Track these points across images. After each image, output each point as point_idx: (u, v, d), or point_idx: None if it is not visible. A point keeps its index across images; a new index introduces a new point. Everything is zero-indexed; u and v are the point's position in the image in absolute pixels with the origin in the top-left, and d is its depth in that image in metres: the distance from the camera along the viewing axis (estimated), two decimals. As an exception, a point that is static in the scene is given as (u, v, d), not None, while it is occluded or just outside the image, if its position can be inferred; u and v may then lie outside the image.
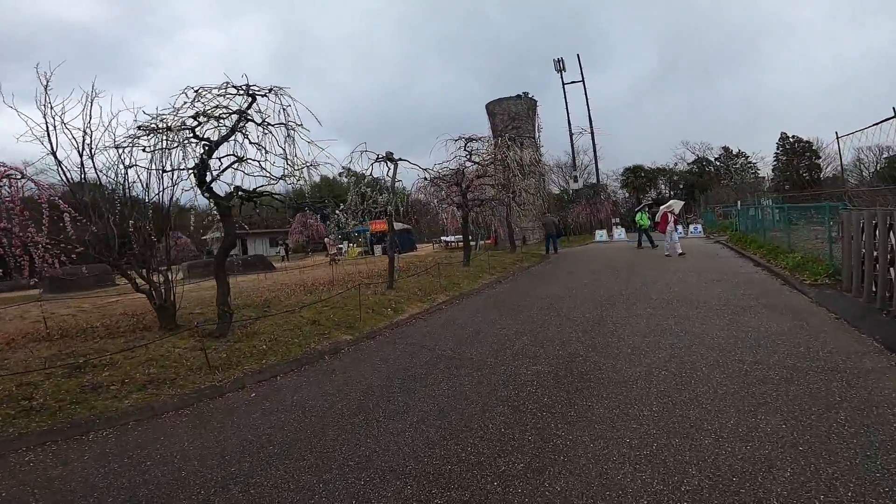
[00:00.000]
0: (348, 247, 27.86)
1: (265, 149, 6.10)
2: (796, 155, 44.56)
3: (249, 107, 6.00)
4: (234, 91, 5.93)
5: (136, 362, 4.97)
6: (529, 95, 27.97)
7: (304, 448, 3.26)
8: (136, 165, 5.83)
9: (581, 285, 9.49)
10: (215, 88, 5.86)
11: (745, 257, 11.97)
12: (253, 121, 6.05)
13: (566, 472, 2.64)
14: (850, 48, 65.77)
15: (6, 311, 9.32)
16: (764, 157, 46.57)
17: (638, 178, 45.61)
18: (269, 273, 16.33)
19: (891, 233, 4.97)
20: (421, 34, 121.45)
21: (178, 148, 5.66)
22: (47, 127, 5.31)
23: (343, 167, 10.21)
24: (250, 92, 6.00)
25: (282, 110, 6.14)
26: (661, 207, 14.99)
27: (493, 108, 27.97)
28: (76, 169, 5.55)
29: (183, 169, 5.78)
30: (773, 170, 46.24)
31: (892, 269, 4.96)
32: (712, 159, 48.73)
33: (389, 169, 10.67)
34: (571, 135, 33.42)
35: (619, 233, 26.04)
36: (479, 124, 41.88)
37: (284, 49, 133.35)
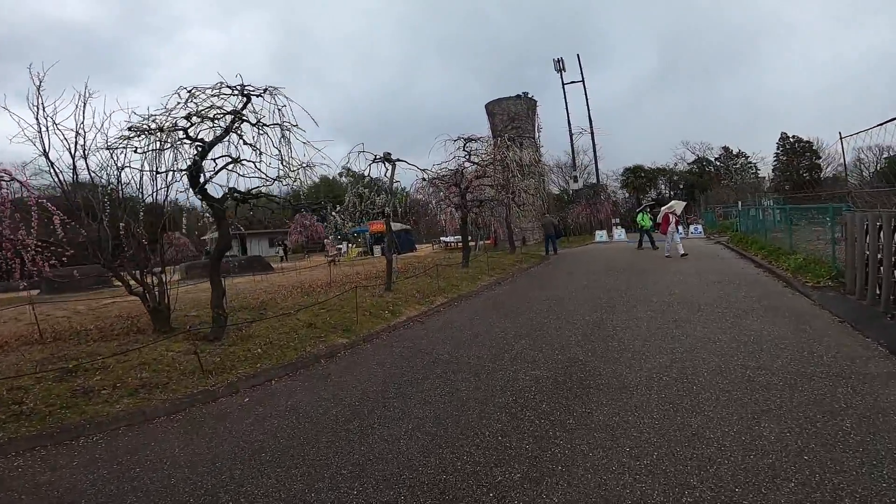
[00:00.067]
0: (348, 248, 27.83)
1: (260, 150, 6.04)
2: (796, 155, 44.56)
3: (244, 107, 5.93)
4: (229, 91, 5.86)
5: (128, 366, 4.90)
6: (529, 95, 27.91)
7: (297, 455, 3.19)
8: (128, 167, 5.77)
9: (581, 287, 9.42)
10: (209, 89, 5.79)
11: (747, 258, 11.90)
12: (248, 121, 5.98)
13: (564, 483, 2.58)
14: (849, 48, 65.84)
15: (1, 313, 9.24)
16: (764, 157, 46.67)
17: (638, 178, 45.58)
18: (266, 274, 16.27)
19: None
20: (421, 34, 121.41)
21: (171, 149, 5.58)
22: (39, 128, 5.26)
23: (343, 167, 10.14)
24: (245, 92, 5.93)
25: (277, 111, 6.08)
26: (663, 208, 14.88)
27: (493, 108, 27.89)
28: (68, 170, 5.50)
29: (176, 170, 5.71)
30: (773, 170, 46.24)
31: (896, 271, 4.90)
32: (712, 159, 48.74)
33: (387, 170, 10.61)
34: (571, 135, 33.39)
35: (620, 233, 25.91)
36: (479, 124, 41.89)
37: (284, 49, 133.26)
